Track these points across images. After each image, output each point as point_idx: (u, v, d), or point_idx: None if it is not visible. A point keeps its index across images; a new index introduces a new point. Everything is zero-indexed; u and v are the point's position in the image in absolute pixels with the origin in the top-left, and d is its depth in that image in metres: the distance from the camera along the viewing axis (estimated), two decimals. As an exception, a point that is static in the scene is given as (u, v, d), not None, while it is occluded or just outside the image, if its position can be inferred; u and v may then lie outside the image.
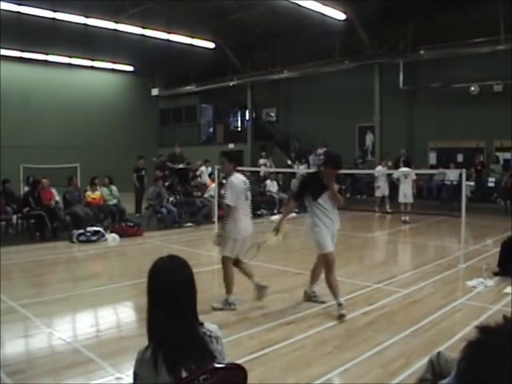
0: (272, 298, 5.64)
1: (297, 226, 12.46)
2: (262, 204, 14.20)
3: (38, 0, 13.22)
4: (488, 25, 13.63)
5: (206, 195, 13.03)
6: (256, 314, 5.04)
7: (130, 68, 21.86)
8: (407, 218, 12.23)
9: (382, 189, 13.43)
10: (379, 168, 13.33)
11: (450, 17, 14.41)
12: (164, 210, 11.43)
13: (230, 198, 5.11)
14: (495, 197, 13.97)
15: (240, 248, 5.32)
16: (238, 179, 5.27)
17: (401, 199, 12.29)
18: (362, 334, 4.43)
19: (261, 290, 5.41)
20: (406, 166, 12.79)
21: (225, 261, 5.29)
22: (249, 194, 5.40)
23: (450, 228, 10.67)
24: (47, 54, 18.71)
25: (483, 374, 1.20)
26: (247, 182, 5.42)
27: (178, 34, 16.33)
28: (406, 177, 12.13)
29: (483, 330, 1.27)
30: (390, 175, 13.30)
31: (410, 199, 12.17)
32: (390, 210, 13.40)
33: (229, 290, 5.24)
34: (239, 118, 23.61)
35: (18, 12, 13.45)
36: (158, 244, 9.52)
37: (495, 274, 6.45)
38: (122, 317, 5.36)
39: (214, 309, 5.12)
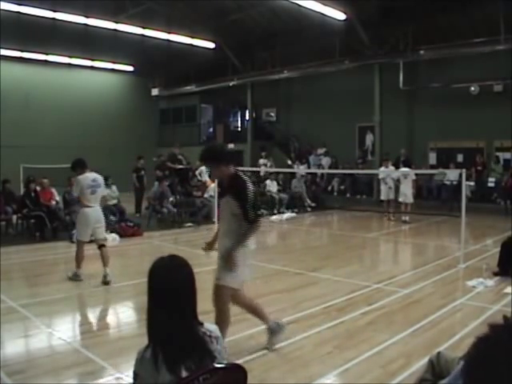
0: (272, 297, 5.64)
1: (296, 227, 12.47)
2: (261, 204, 14.21)
3: (38, 0, 13.22)
4: (488, 25, 13.63)
5: (206, 195, 13.03)
6: (256, 314, 5.04)
7: (130, 68, 21.86)
8: (407, 218, 12.23)
9: (386, 191, 12.69)
10: (382, 169, 12.85)
11: (450, 17, 14.41)
12: (164, 209, 11.43)
13: (74, 190, 6.54)
14: (495, 197, 13.97)
15: (93, 232, 6.46)
16: (84, 177, 6.39)
17: (401, 199, 12.30)
18: (362, 333, 4.43)
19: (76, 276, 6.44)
20: (405, 166, 12.79)
21: (78, 244, 6.51)
22: (98, 189, 6.46)
23: (450, 228, 10.67)
24: (47, 54, 18.70)
25: (490, 371, 1.20)
26: (97, 180, 6.52)
27: (178, 34, 16.32)
28: (406, 177, 12.12)
29: (492, 326, 1.28)
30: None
31: (410, 199, 12.18)
32: (392, 217, 12.62)
33: (78, 265, 6.42)
34: (239, 118, 23.61)
35: (18, 12, 13.44)
36: (158, 244, 9.51)
37: (495, 274, 6.45)
38: (121, 317, 5.36)
39: (69, 278, 6.39)
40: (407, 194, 12.10)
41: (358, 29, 15.22)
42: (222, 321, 3.76)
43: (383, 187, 12.76)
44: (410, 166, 12.90)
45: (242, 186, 3.65)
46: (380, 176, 12.93)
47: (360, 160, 17.26)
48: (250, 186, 3.68)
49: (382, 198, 12.83)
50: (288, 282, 6.42)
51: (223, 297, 3.79)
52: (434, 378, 2.35)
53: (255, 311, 4.12)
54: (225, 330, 3.77)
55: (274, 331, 4.07)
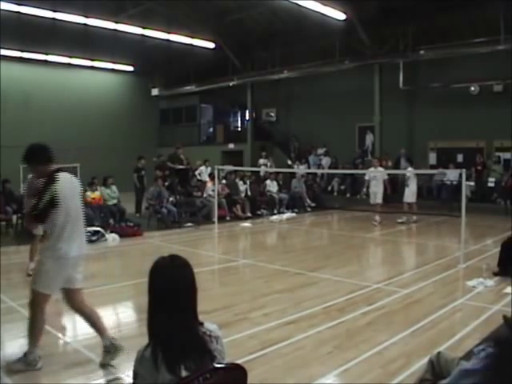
0: (272, 297, 5.65)
1: (296, 227, 12.47)
2: (262, 204, 14.21)
3: (38, 0, 13.22)
4: (488, 25, 13.64)
5: (204, 194, 13.06)
6: (256, 314, 5.04)
7: (130, 68, 21.85)
8: (414, 218, 12.12)
9: (377, 194, 11.83)
10: (372, 169, 12.01)
11: (450, 17, 14.41)
12: (164, 209, 11.44)
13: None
14: (495, 197, 13.96)
15: None
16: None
17: (410, 200, 11.99)
18: (362, 333, 4.43)
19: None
20: (411, 164, 12.60)
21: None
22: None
23: (450, 228, 10.67)
24: (47, 54, 18.70)
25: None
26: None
27: (178, 34, 16.32)
28: (415, 176, 12.02)
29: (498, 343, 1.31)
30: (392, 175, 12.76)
31: (415, 198, 12.10)
32: (376, 223, 11.73)
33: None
34: (239, 118, 23.62)
35: (18, 12, 13.44)
36: (158, 244, 9.52)
37: (495, 274, 6.45)
38: (121, 317, 5.36)
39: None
40: (415, 193, 11.98)
41: (358, 29, 15.22)
42: (33, 326, 3.69)
43: (370, 190, 12.06)
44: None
45: (43, 186, 3.57)
46: (367, 177, 12.20)
47: (359, 160, 17.26)
48: (52, 188, 3.52)
49: (372, 201, 12.02)
50: (288, 281, 6.42)
51: (35, 302, 3.67)
52: (434, 378, 2.35)
53: (93, 322, 3.89)
54: (37, 337, 3.71)
55: (107, 351, 3.77)
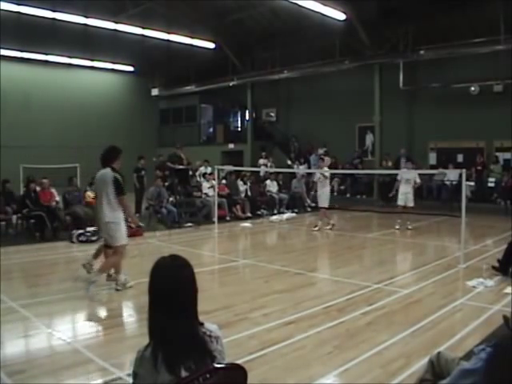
0: (272, 297, 5.65)
1: (296, 227, 12.47)
2: (262, 204, 14.21)
3: (38, 0, 13.23)
4: (488, 25, 13.63)
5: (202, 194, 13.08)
6: (256, 314, 5.04)
7: (130, 68, 21.87)
8: (409, 224, 11.14)
9: (322, 196, 11.14)
10: (325, 169, 11.25)
11: (449, 17, 14.41)
12: (164, 209, 11.44)
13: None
14: (495, 197, 13.96)
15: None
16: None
17: (402, 202, 11.15)
18: (362, 333, 4.43)
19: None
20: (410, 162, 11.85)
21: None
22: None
23: (450, 228, 10.66)
24: (47, 54, 18.71)
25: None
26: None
27: (178, 34, 16.33)
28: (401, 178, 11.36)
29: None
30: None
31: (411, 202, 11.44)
32: (317, 228, 11.17)
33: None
34: (239, 118, 23.62)
35: (18, 12, 13.45)
36: (158, 244, 9.52)
37: (494, 268, 6.48)
38: (122, 317, 5.36)
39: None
40: (407, 195, 11.01)
41: (358, 29, 15.23)
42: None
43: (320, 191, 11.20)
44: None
45: None
46: (315, 178, 11.43)
47: (358, 160, 17.24)
48: None
49: (319, 204, 11.27)
50: (288, 281, 6.42)
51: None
52: (434, 378, 2.35)
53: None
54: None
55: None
